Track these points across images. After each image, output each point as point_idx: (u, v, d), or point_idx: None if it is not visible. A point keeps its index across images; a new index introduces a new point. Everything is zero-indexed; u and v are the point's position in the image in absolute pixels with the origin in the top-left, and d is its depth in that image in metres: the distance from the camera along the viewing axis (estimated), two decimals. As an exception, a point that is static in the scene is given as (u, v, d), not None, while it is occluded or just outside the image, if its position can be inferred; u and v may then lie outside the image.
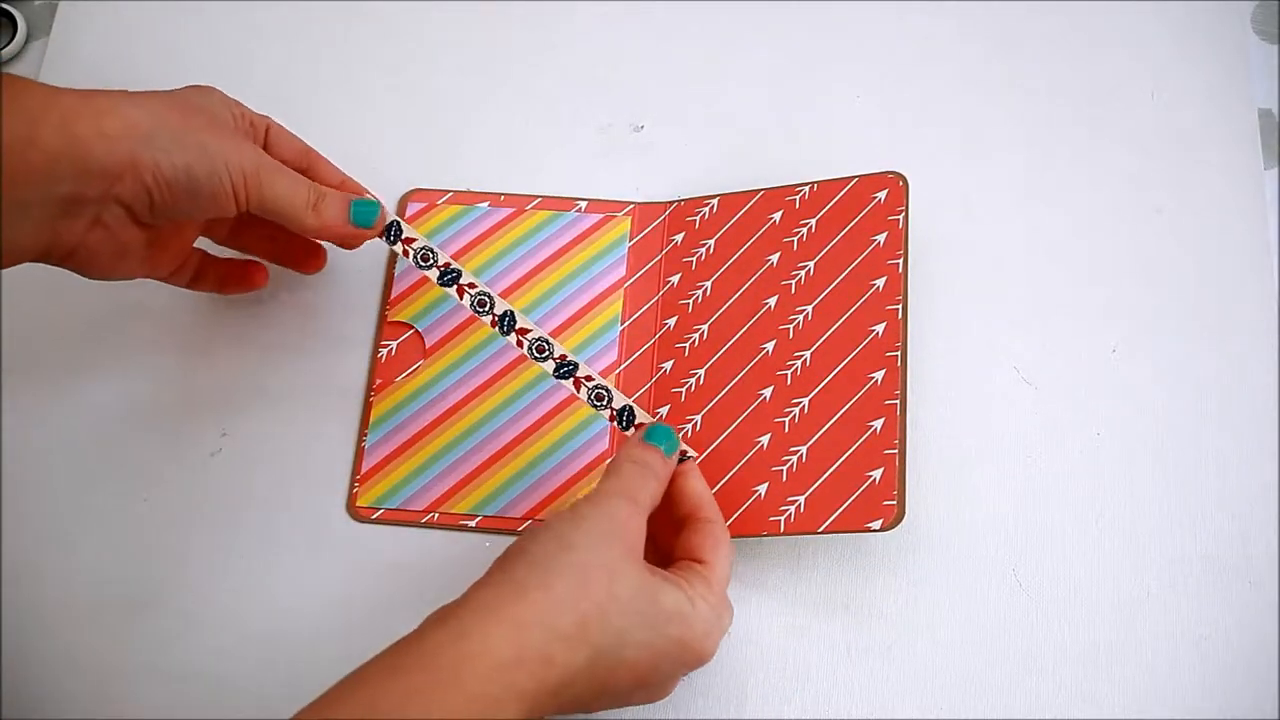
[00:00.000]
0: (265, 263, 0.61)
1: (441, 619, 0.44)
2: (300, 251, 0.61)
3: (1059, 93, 0.65)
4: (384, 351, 0.61)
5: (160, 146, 0.48)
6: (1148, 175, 0.63)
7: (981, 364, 0.60)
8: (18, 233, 0.48)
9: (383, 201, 0.56)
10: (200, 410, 0.61)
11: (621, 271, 0.62)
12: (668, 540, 0.52)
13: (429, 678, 0.42)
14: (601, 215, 0.63)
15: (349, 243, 0.56)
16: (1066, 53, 0.66)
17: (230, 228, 0.59)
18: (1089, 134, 0.64)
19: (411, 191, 0.65)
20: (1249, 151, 0.63)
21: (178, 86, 0.53)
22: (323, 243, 0.61)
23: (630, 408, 0.56)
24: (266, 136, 0.55)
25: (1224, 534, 0.56)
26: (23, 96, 0.47)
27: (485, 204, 0.64)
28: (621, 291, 0.62)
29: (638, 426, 0.55)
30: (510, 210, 0.64)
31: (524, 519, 0.58)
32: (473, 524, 0.58)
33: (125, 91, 0.50)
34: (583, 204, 0.64)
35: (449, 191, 0.65)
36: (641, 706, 0.54)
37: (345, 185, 0.57)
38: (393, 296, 0.62)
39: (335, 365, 0.61)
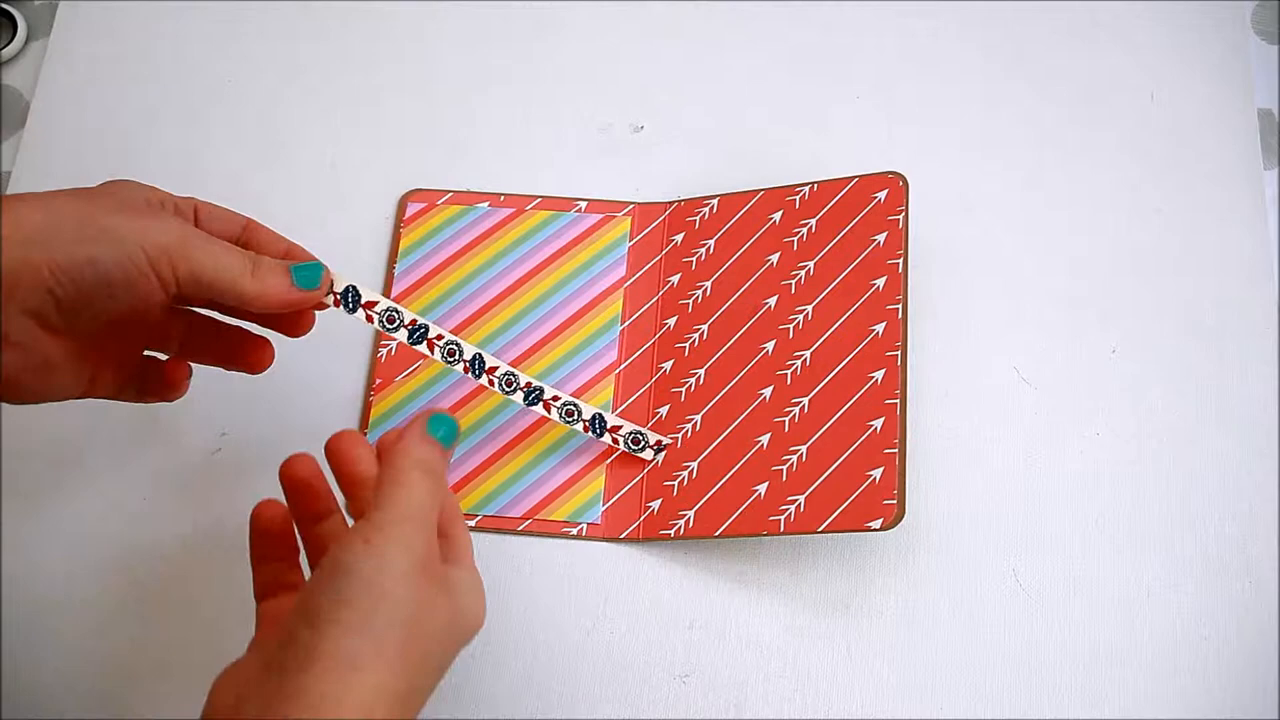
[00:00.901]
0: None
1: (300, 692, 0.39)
2: (250, 348, 0.55)
3: (1059, 93, 0.65)
4: (384, 351, 0.61)
5: (57, 239, 0.44)
6: (1147, 175, 0.63)
7: (981, 364, 0.60)
8: None
9: (327, 265, 0.52)
10: (200, 410, 0.61)
11: (621, 271, 0.62)
12: None
13: None
14: (601, 215, 0.63)
15: (295, 311, 0.52)
16: (1066, 53, 0.66)
17: (178, 336, 0.53)
18: (1089, 134, 0.64)
19: (411, 191, 0.65)
20: (1249, 151, 0.63)
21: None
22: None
23: (600, 415, 0.56)
24: (196, 217, 0.51)
25: (1224, 534, 0.56)
26: None
27: (485, 204, 0.64)
28: (621, 291, 0.62)
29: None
30: (510, 210, 0.64)
31: (524, 518, 0.58)
32: (472, 523, 0.58)
33: (20, 195, 0.45)
34: (583, 204, 0.64)
35: (449, 191, 0.65)
36: (636, 707, 0.54)
37: (291, 252, 0.52)
38: (393, 296, 0.62)
39: (335, 365, 0.61)
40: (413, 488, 0.43)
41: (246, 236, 0.52)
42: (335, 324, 0.62)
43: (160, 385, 0.53)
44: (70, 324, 0.46)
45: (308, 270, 0.50)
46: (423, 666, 0.42)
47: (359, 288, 0.53)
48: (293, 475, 0.49)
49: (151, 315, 0.48)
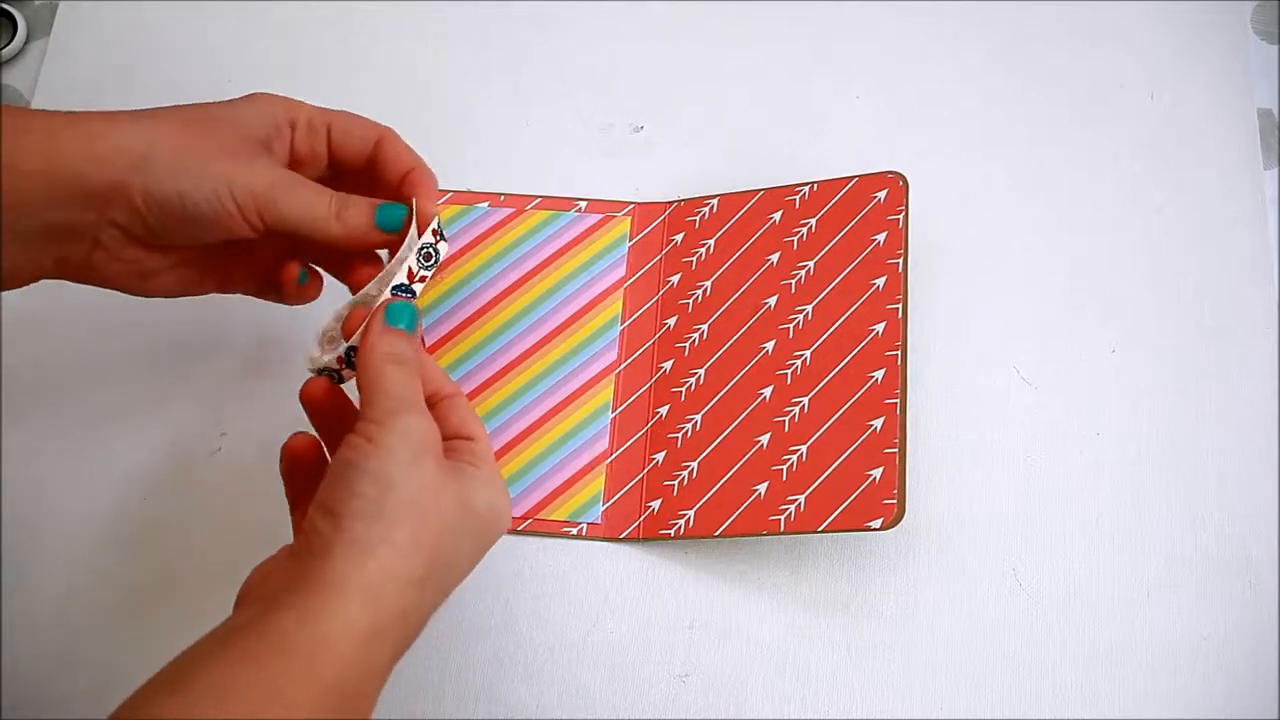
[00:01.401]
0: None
1: (278, 600, 0.40)
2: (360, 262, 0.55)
3: (1059, 93, 0.65)
4: (384, 351, 0.61)
5: (151, 172, 0.46)
6: (1148, 175, 0.63)
7: (981, 364, 0.60)
8: (12, 258, 0.47)
9: (418, 206, 0.52)
10: (200, 410, 0.61)
11: (621, 271, 0.62)
12: None
13: (283, 665, 0.38)
14: (601, 215, 0.63)
15: (379, 248, 0.53)
16: (1066, 53, 0.66)
17: (287, 252, 0.54)
18: (1089, 134, 0.64)
19: (411, 191, 0.65)
20: (1249, 151, 0.63)
21: (218, 94, 0.51)
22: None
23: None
24: (329, 133, 0.52)
25: (1224, 534, 0.56)
26: (15, 114, 0.46)
27: (485, 204, 0.64)
28: (621, 291, 0.62)
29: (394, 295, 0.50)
30: (510, 210, 0.64)
31: (524, 518, 0.58)
32: (472, 524, 0.58)
33: (132, 112, 0.48)
34: (583, 204, 0.64)
35: (449, 191, 0.65)
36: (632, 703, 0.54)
37: (414, 174, 0.52)
38: (393, 296, 0.62)
39: (335, 365, 0.61)
40: (390, 380, 0.45)
41: (376, 151, 0.53)
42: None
43: (295, 291, 0.55)
44: (164, 243, 0.49)
45: (389, 210, 0.51)
46: (436, 555, 0.43)
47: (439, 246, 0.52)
48: (312, 398, 0.50)
49: (251, 240, 0.50)
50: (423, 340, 0.52)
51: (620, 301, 0.61)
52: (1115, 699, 0.53)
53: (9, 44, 0.70)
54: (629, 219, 0.63)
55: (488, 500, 0.46)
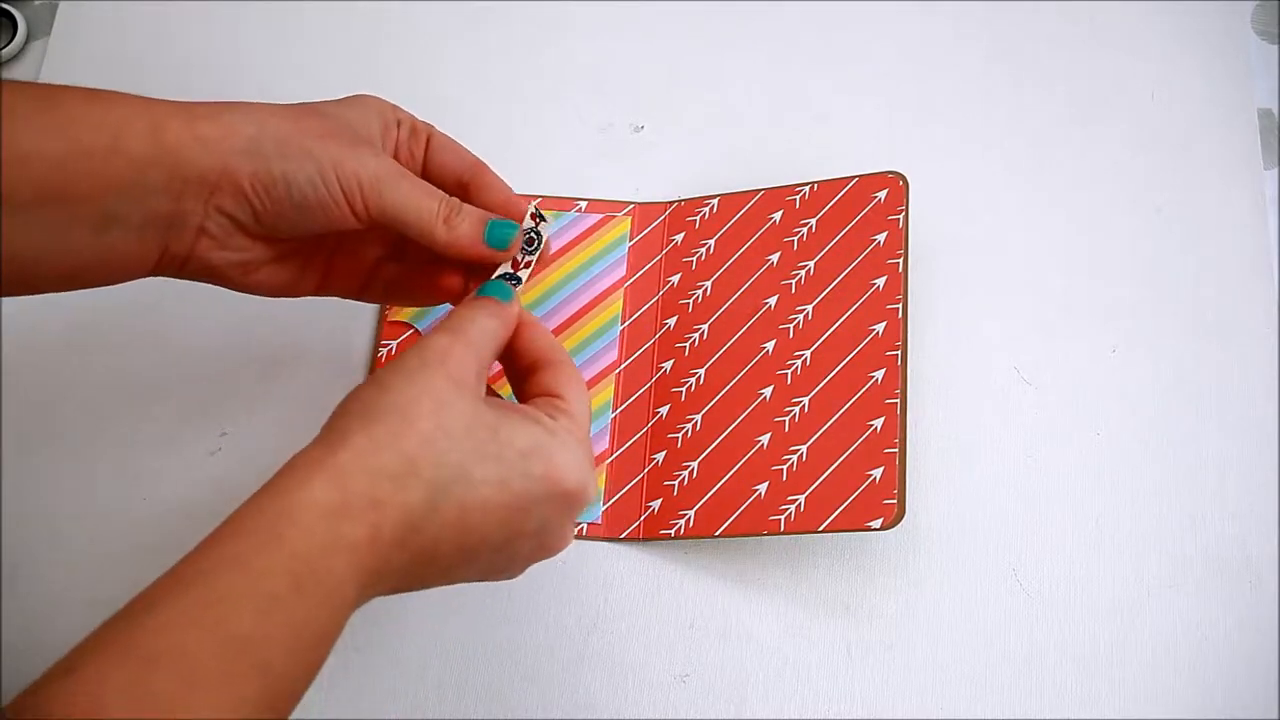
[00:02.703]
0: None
1: (264, 485, 0.41)
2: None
3: (1059, 93, 0.65)
4: (384, 351, 0.61)
5: (259, 153, 0.45)
6: (1148, 175, 0.63)
7: (981, 364, 0.60)
8: (118, 245, 0.45)
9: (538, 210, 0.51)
10: (200, 410, 0.61)
11: (621, 271, 0.62)
12: (517, 391, 0.49)
13: (247, 542, 0.39)
14: (601, 215, 0.63)
15: (481, 264, 0.50)
16: (1066, 53, 0.66)
17: (392, 250, 0.53)
18: (1089, 134, 0.64)
19: (411, 191, 0.65)
20: (1249, 151, 0.63)
21: (226, 91, 0.51)
22: None
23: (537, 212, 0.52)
24: (428, 145, 0.52)
25: (1224, 534, 0.56)
26: (105, 106, 0.44)
27: (485, 204, 0.64)
28: (621, 291, 0.62)
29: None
30: (510, 210, 0.64)
31: (524, 519, 0.58)
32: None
33: (237, 102, 0.47)
34: (583, 204, 0.64)
35: (449, 191, 0.64)
36: (624, 694, 0.54)
37: (510, 204, 0.51)
38: (393, 296, 0.62)
39: (335, 365, 0.61)
40: (449, 317, 0.46)
41: (470, 177, 0.52)
42: (336, 324, 0.62)
43: (401, 293, 0.54)
44: (269, 232, 0.48)
45: (504, 228, 0.49)
46: (422, 457, 0.41)
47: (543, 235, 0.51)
48: None
49: (356, 233, 0.50)
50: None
51: (620, 301, 0.61)
52: (1115, 699, 0.53)
53: (9, 44, 0.70)
54: (629, 219, 0.63)
55: (535, 441, 0.43)
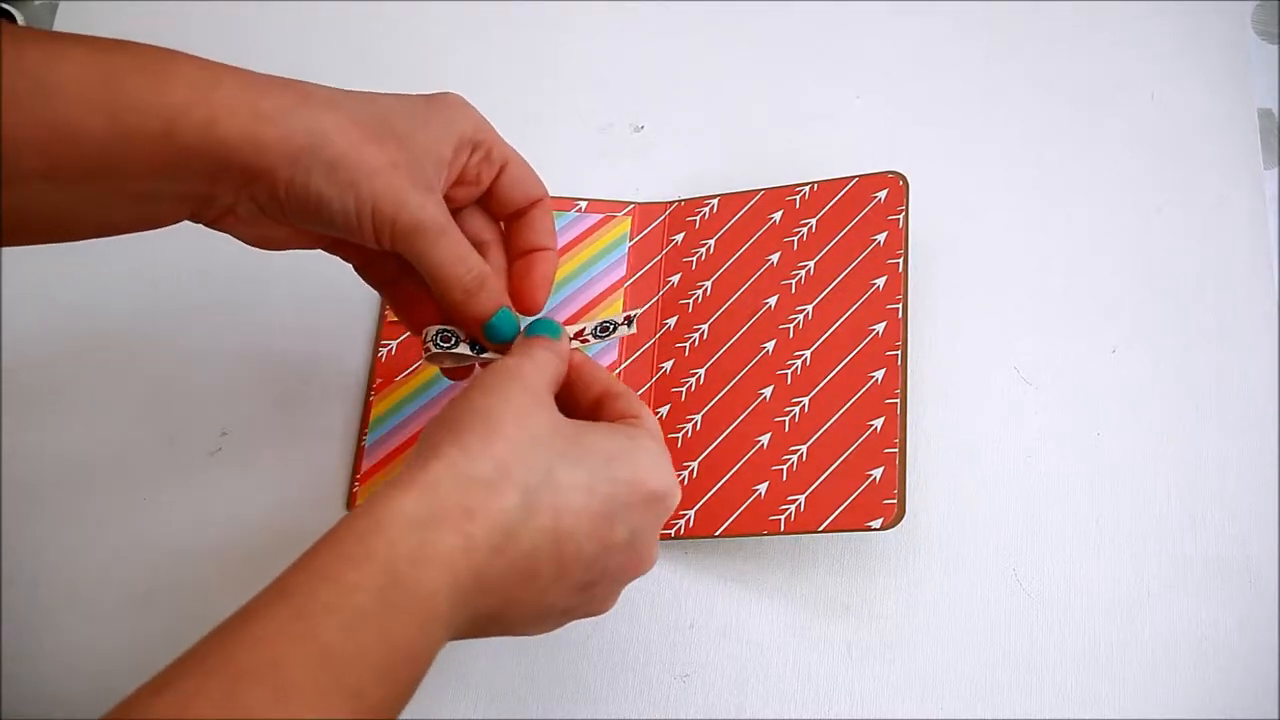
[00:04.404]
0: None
1: (356, 508, 0.41)
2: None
3: (1059, 93, 0.65)
4: (384, 351, 0.61)
5: (304, 167, 0.45)
6: (1148, 175, 0.63)
7: (981, 364, 0.60)
8: (151, 212, 0.46)
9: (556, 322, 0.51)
10: (200, 410, 0.61)
11: (622, 271, 0.62)
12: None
13: (337, 556, 0.38)
14: (601, 215, 0.63)
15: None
16: (1066, 53, 0.66)
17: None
18: (1089, 134, 0.64)
19: (411, 191, 0.65)
20: (1249, 151, 0.63)
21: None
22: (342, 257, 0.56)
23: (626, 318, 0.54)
24: (500, 173, 0.51)
25: (1224, 534, 0.56)
26: (161, 85, 0.43)
27: (485, 204, 0.64)
28: (622, 291, 0.62)
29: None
30: (510, 210, 0.64)
31: (524, 519, 0.58)
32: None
33: (311, 92, 0.46)
34: (583, 204, 0.64)
35: (449, 191, 0.64)
36: (631, 696, 0.54)
37: (544, 256, 0.52)
38: (393, 296, 0.62)
39: (335, 365, 0.61)
40: (510, 355, 0.47)
41: (529, 210, 0.52)
42: (336, 323, 0.62)
43: (399, 301, 0.54)
44: (291, 223, 0.47)
45: (508, 323, 0.49)
46: (512, 462, 0.41)
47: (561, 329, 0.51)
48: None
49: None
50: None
51: (620, 301, 0.62)
52: (1115, 699, 0.53)
53: (9, 44, 0.69)
54: (629, 219, 0.63)
55: (616, 447, 0.44)
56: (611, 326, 0.53)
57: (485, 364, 0.51)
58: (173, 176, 0.44)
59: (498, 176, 0.52)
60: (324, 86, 0.47)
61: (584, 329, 0.52)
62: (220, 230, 0.49)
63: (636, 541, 0.44)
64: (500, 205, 0.52)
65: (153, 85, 0.43)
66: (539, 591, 0.42)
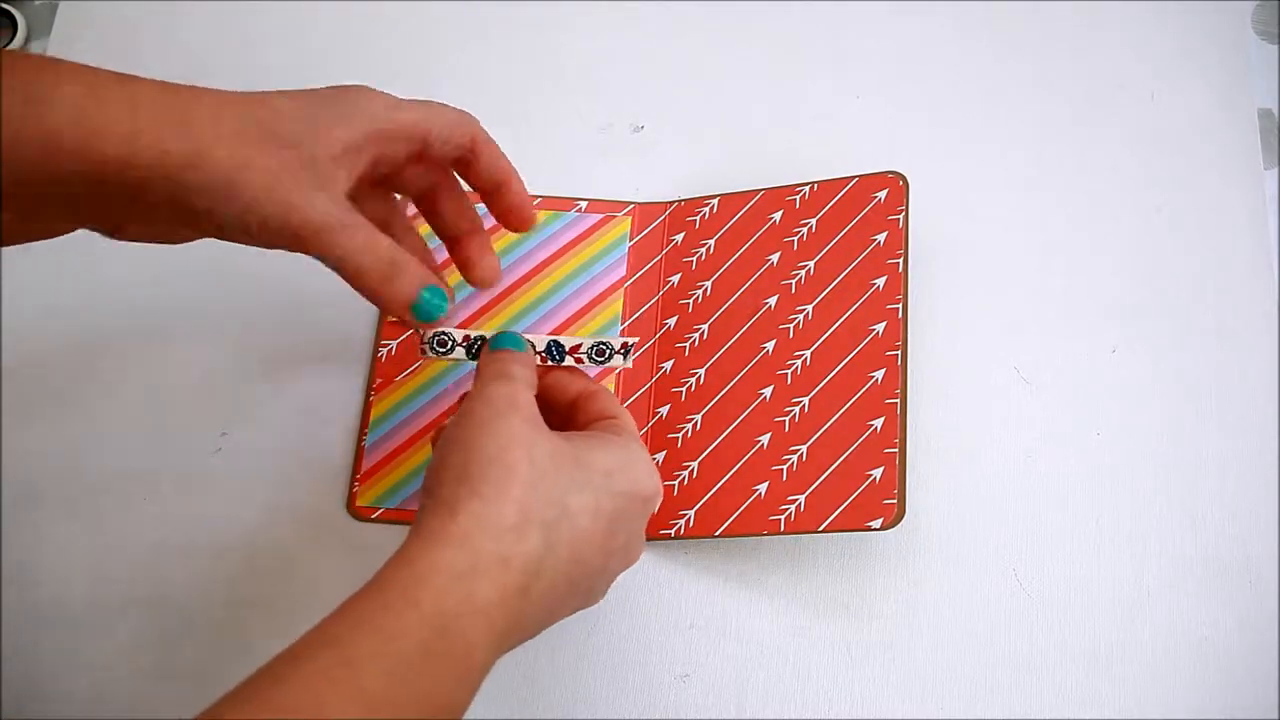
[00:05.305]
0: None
1: (392, 556, 0.42)
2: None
3: (1059, 93, 0.65)
4: (384, 351, 0.61)
5: (183, 184, 0.43)
6: (1148, 175, 0.63)
7: (981, 364, 0.60)
8: (35, 227, 0.46)
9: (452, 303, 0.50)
10: (200, 410, 0.61)
11: (622, 271, 0.62)
12: (564, 429, 0.50)
13: (381, 602, 0.40)
14: (601, 215, 0.63)
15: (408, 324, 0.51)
16: (1066, 53, 0.66)
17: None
18: (1089, 134, 0.64)
19: (411, 191, 0.65)
20: (1249, 151, 0.63)
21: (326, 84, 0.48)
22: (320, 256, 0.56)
23: (555, 342, 0.52)
24: (425, 142, 0.50)
25: (1224, 534, 0.56)
26: (57, 99, 0.42)
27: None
28: (621, 291, 0.62)
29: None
30: (510, 210, 0.64)
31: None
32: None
33: (194, 103, 0.44)
34: (583, 204, 0.64)
35: (449, 191, 0.64)
36: (635, 698, 0.54)
37: (521, 208, 0.53)
38: (393, 296, 0.62)
39: (335, 365, 0.61)
40: (486, 369, 0.48)
41: (498, 184, 0.53)
42: (336, 324, 0.62)
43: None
44: (191, 231, 0.48)
45: (436, 299, 0.48)
46: (530, 504, 0.42)
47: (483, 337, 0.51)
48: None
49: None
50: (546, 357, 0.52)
51: (620, 301, 0.62)
52: (1115, 699, 0.53)
53: (9, 44, 0.70)
54: (629, 219, 0.63)
55: (614, 460, 0.46)
56: (608, 352, 0.53)
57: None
58: (57, 193, 0.43)
59: (470, 170, 0.52)
60: (212, 92, 0.45)
61: (581, 345, 0.52)
62: (121, 240, 0.48)
63: (630, 541, 0.47)
64: (478, 186, 0.53)
65: (32, 112, 0.42)
66: (551, 613, 0.45)
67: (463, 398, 0.49)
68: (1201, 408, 0.58)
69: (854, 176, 0.60)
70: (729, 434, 0.57)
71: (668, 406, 0.59)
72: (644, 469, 0.47)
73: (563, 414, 0.51)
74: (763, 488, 0.55)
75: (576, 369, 0.52)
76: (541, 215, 0.63)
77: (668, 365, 0.60)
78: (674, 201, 0.64)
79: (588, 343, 0.52)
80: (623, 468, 0.46)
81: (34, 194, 0.43)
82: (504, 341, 0.50)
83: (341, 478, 0.59)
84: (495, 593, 0.41)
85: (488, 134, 0.52)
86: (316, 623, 0.40)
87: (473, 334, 0.51)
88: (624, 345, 0.52)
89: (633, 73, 0.67)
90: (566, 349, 0.52)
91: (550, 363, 0.52)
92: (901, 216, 0.58)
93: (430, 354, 0.51)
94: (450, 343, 0.51)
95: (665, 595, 0.56)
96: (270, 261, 0.60)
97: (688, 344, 0.60)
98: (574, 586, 0.45)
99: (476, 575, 0.40)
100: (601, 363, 0.52)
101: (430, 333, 0.51)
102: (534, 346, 0.51)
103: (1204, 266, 0.61)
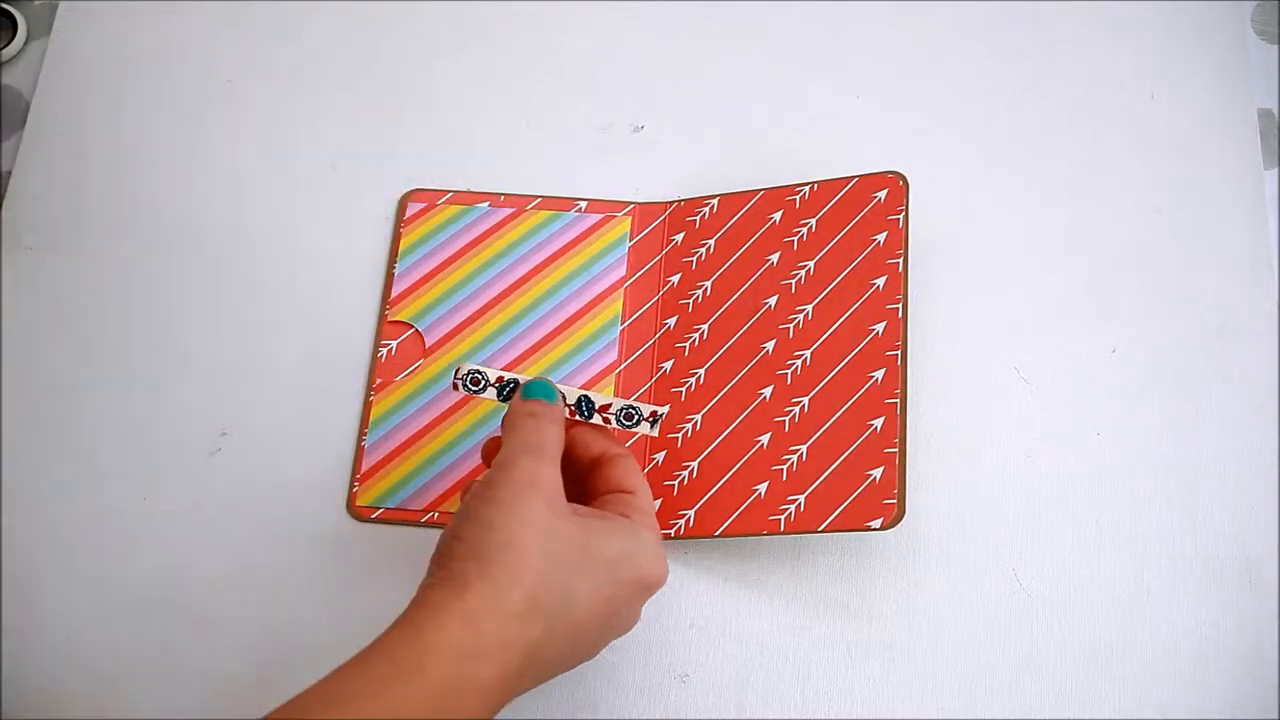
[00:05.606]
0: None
1: (398, 621, 0.44)
2: None
3: (1059, 93, 0.65)
4: (384, 351, 0.61)
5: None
6: (1148, 175, 0.63)
7: (981, 364, 0.60)
8: None
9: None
10: (200, 410, 0.61)
11: (621, 271, 0.62)
12: (581, 486, 0.52)
13: (392, 669, 0.41)
14: (601, 215, 0.63)
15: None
16: (1066, 53, 0.66)
17: None
18: (1089, 134, 0.64)
19: (412, 191, 0.65)
20: (1249, 151, 0.63)
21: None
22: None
23: (585, 397, 0.53)
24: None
25: (1224, 534, 0.56)
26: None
27: (485, 204, 0.64)
28: (621, 291, 0.62)
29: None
30: (510, 210, 0.64)
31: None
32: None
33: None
34: (583, 204, 0.64)
35: (449, 191, 0.65)
36: (635, 697, 0.54)
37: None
38: (393, 296, 0.62)
39: (335, 365, 0.61)
40: (518, 429, 0.49)
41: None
42: (335, 324, 0.62)
43: None
44: None
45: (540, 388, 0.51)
46: (539, 591, 0.44)
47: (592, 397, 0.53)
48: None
49: None
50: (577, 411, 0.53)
51: (620, 301, 0.62)
52: (1115, 699, 0.53)
53: (9, 44, 0.70)
54: (629, 219, 0.63)
55: (622, 548, 0.48)
56: (636, 417, 0.54)
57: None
58: None
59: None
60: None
61: (611, 405, 0.53)
62: None
63: (629, 618, 0.50)
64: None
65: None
66: (542, 680, 0.47)
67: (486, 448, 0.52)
68: (1201, 408, 0.58)
69: (854, 176, 0.60)
70: (729, 434, 0.57)
71: (667, 406, 0.59)
72: (651, 555, 0.49)
73: (582, 470, 0.52)
74: (762, 488, 0.55)
75: (604, 428, 0.53)
76: (541, 215, 0.63)
77: (668, 365, 0.60)
78: (674, 201, 0.64)
79: (618, 404, 0.53)
80: (629, 554, 0.48)
81: None
82: (536, 391, 0.51)
83: (341, 477, 0.59)
84: (496, 673, 0.43)
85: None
86: (314, 682, 0.41)
87: (506, 375, 0.52)
88: (653, 414, 0.54)
89: (633, 73, 0.67)
90: (596, 406, 0.53)
91: (579, 417, 0.52)
92: (901, 216, 0.58)
93: (463, 390, 0.52)
94: (483, 381, 0.52)
95: (665, 595, 0.56)
96: (271, 262, 0.60)
97: (688, 344, 0.60)
98: (567, 660, 0.47)
99: (480, 657, 0.42)
100: (629, 426, 0.53)
101: (465, 369, 0.52)
102: (564, 398, 0.52)
103: (1204, 266, 0.61)
